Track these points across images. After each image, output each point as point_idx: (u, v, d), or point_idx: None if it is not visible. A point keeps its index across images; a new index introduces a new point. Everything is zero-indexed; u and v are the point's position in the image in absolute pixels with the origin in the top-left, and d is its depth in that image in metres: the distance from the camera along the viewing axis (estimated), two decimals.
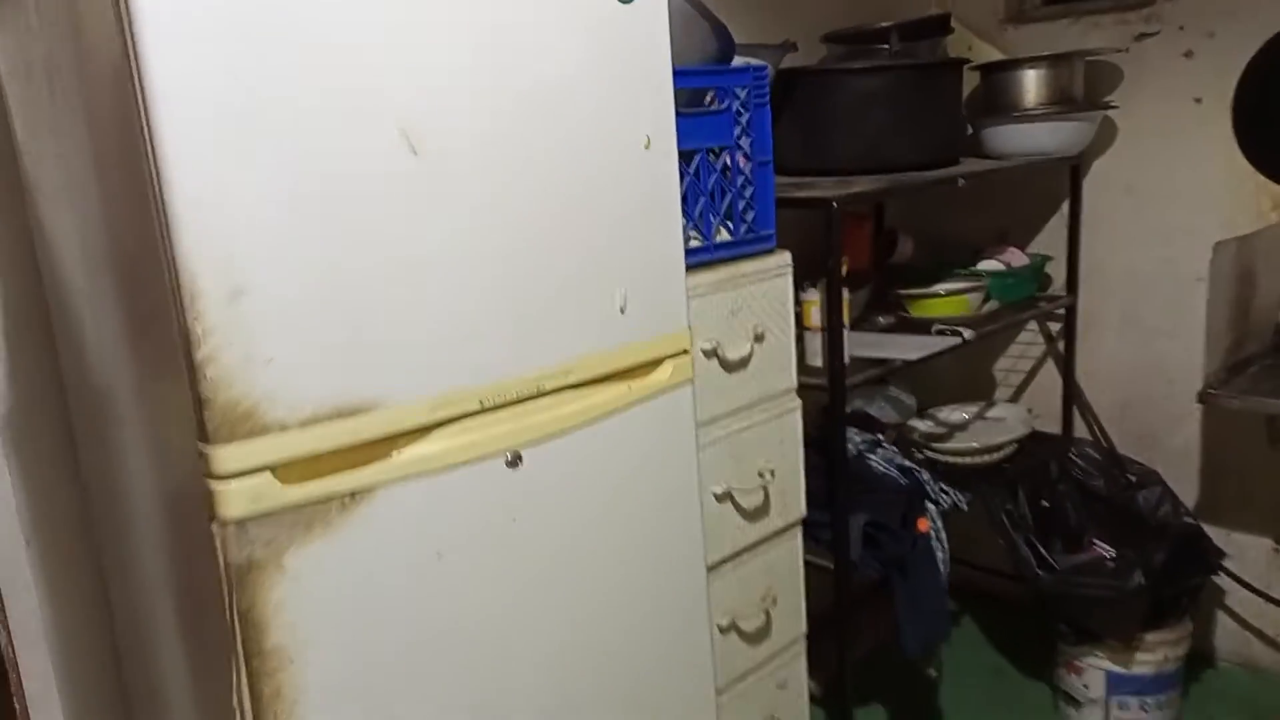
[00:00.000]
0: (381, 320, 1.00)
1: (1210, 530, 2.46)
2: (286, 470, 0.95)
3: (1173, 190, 2.48)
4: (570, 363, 1.18)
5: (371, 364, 1.00)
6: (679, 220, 1.32)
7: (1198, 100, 2.40)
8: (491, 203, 1.09)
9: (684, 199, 1.57)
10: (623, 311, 1.24)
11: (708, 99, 1.72)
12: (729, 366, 1.63)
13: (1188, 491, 2.54)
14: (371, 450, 1.01)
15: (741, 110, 1.66)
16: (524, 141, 1.11)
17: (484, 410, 1.10)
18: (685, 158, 1.58)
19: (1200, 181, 2.43)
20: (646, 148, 1.25)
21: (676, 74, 1.50)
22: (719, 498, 1.63)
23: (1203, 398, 2.11)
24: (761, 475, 1.69)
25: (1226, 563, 2.45)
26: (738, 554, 1.69)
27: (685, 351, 1.34)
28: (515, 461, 1.13)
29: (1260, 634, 2.53)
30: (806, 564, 1.89)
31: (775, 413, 1.73)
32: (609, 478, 1.25)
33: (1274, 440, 2.10)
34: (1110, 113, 2.49)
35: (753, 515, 1.70)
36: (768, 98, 1.69)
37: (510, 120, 1.10)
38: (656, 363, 1.31)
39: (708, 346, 1.58)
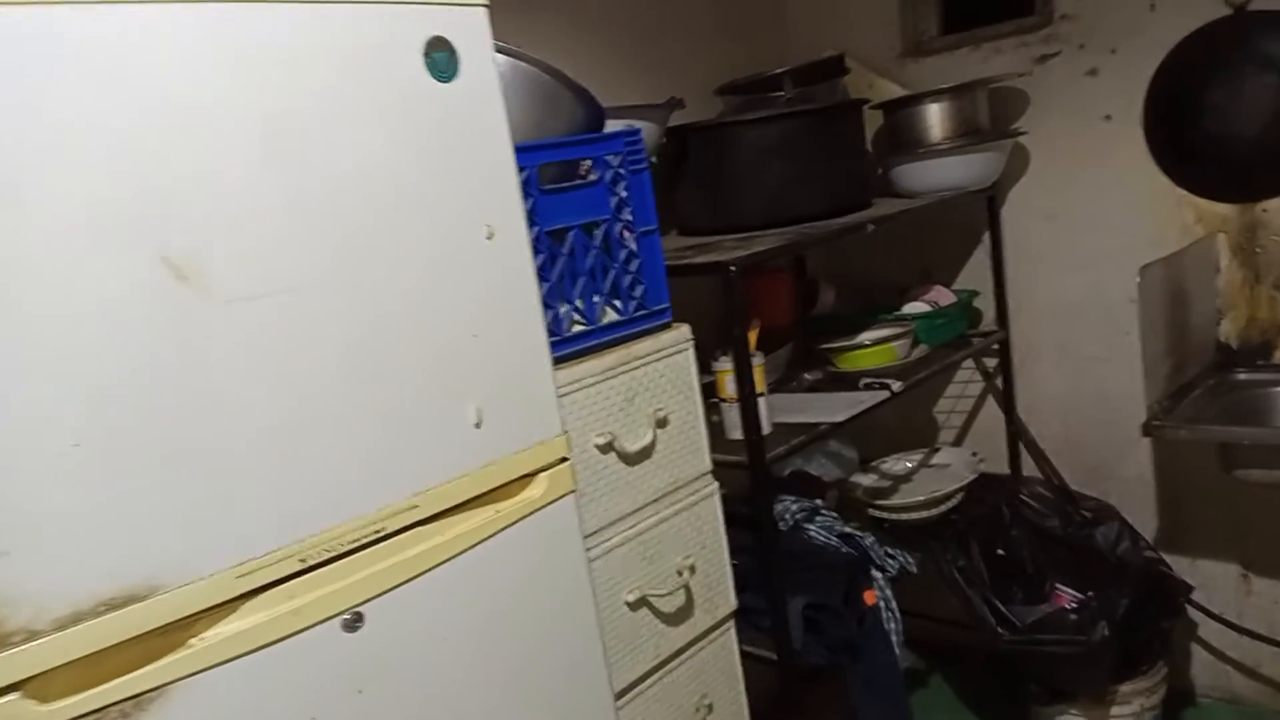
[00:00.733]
0: (154, 482, 0.84)
1: (1174, 560, 2.35)
2: (45, 684, 0.78)
3: (1093, 212, 2.40)
4: (417, 495, 1.02)
5: (145, 538, 0.83)
6: (538, 313, 1.18)
7: (1107, 118, 2.33)
8: (290, 325, 0.93)
9: (560, 281, 1.45)
10: (478, 426, 1.08)
11: (584, 171, 1.59)
12: (630, 459, 1.48)
13: (1146, 523, 2.43)
14: (161, 641, 0.85)
15: (618, 178, 1.53)
16: (326, 249, 0.96)
17: (309, 568, 0.94)
18: (558, 237, 1.45)
19: (1120, 201, 2.35)
20: (489, 239, 1.11)
21: (532, 149, 1.39)
22: (633, 605, 1.47)
23: (1148, 430, 2.00)
24: (680, 573, 1.53)
25: (1195, 594, 2.32)
26: (663, 664, 1.53)
27: (563, 459, 1.19)
28: (355, 623, 0.97)
29: (1238, 665, 2.40)
30: (747, 655, 1.73)
31: (690, 501, 1.58)
32: (478, 621, 1.09)
33: (1227, 466, 1.99)
34: (1020, 139, 2.41)
35: (675, 618, 1.54)
36: (645, 163, 1.56)
37: (308, 227, 0.95)
38: (529, 477, 1.15)
39: (601, 441, 1.42)
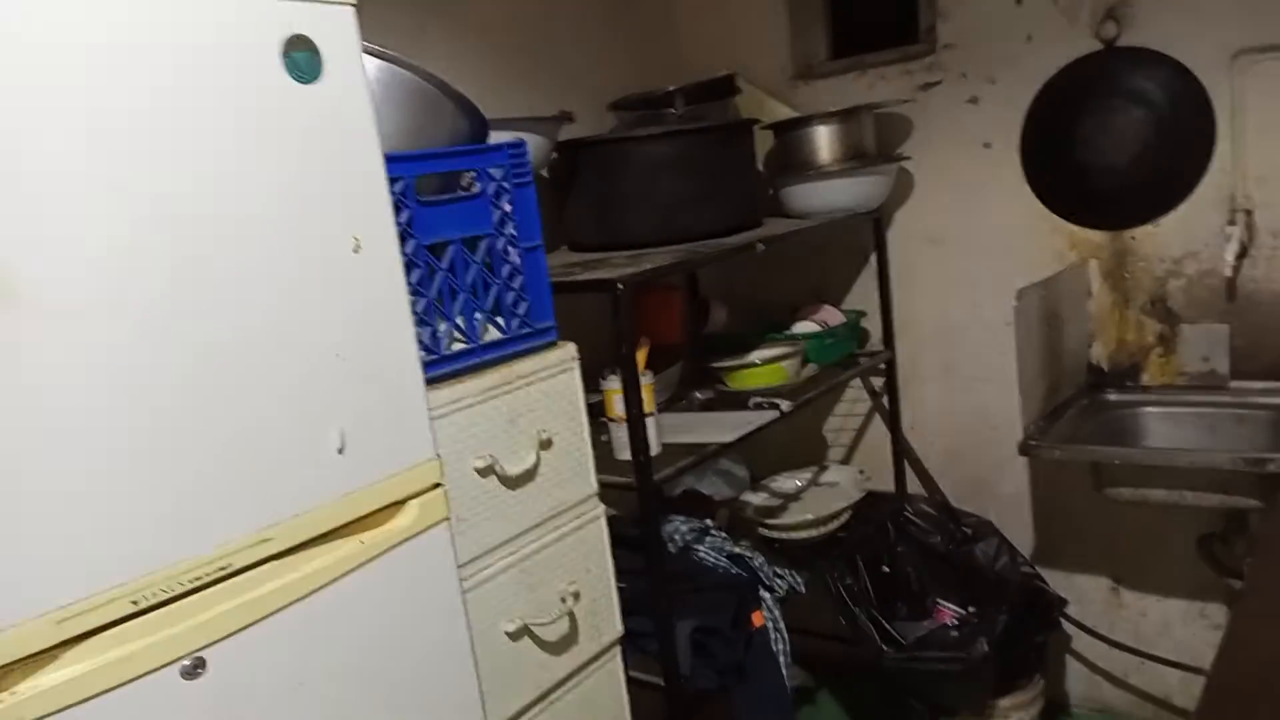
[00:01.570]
0: None
1: (1049, 574, 2.42)
2: None
3: (974, 236, 2.46)
4: (269, 528, 0.95)
5: None
6: (409, 330, 1.12)
7: (987, 145, 2.40)
8: (124, 342, 0.85)
9: (440, 297, 1.39)
10: (341, 451, 1.02)
11: (466, 183, 1.54)
12: (511, 482, 1.42)
13: (1023, 538, 2.49)
14: None
15: (501, 192, 1.48)
16: (167, 260, 0.88)
17: (143, 610, 0.85)
18: (437, 251, 1.39)
19: (999, 225, 2.42)
20: (356, 251, 1.04)
21: (409, 159, 1.33)
22: (513, 635, 1.41)
23: (1024, 450, 2.04)
24: (564, 599, 1.48)
25: (1069, 608, 2.40)
26: (545, 695, 1.47)
27: (436, 485, 1.13)
28: (196, 669, 0.89)
29: (1109, 675, 2.49)
30: (633, 681, 1.68)
31: (574, 525, 1.53)
32: (338, 663, 1.02)
33: (1100, 484, 2.06)
34: (905, 164, 2.46)
35: (558, 647, 1.49)
36: (529, 176, 1.51)
37: (146, 235, 0.87)
38: (398, 505, 1.09)
39: (481, 464, 1.36)
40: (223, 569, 0.91)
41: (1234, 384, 2.17)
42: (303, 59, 1.02)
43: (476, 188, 1.48)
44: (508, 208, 1.49)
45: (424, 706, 1.11)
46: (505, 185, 1.48)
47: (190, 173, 0.90)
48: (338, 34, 1.05)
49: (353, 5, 1.08)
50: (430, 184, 1.46)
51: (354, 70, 1.06)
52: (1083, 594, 2.45)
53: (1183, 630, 2.35)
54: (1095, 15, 2.20)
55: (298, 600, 0.96)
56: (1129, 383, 2.31)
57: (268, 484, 0.95)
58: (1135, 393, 2.29)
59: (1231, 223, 2.11)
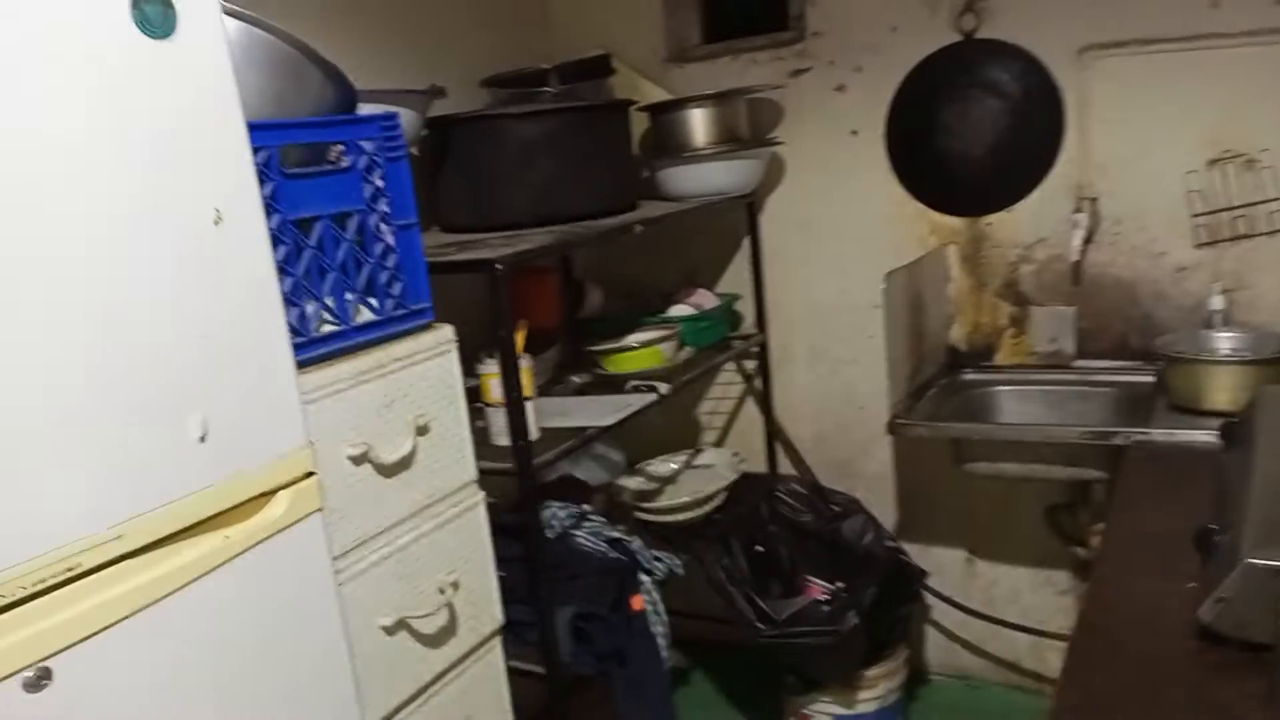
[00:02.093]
0: None
1: (910, 548, 2.51)
2: None
3: (841, 221, 2.52)
4: (121, 524, 0.87)
5: None
6: (278, 310, 1.04)
7: (854, 133, 2.46)
8: None
9: (307, 276, 1.31)
10: (203, 440, 0.94)
11: (334, 157, 1.46)
12: (387, 470, 1.36)
13: (886, 514, 2.58)
14: None
15: (373, 166, 1.41)
16: (7, 235, 0.79)
17: None
18: (304, 227, 1.31)
19: (865, 211, 2.48)
20: (217, 223, 0.96)
21: (272, 127, 1.24)
22: (390, 630, 1.35)
23: (892, 428, 2.11)
24: (442, 591, 1.43)
25: (929, 580, 2.50)
26: (424, 689, 1.42)
27: (309, 474, 1.06)
28: (41, 680, 0.80)
29: (966, 643, 2.61)
30: (513, 671, 1.65)
31: (453, 513, 1.48)
32: (202, 667, 0.94)
33: (959, 460, 2.15)
34: (777, 149, 2.50)
35: (437, 640, 1.44)
36: (403, 150, 1.45)
37: None
38: (268, 496, 1.02)
39: (355, 451, 1.30)
40: (69, 570, 0.82)
41: (1079, 363, 2.31)
42: (154, 12, 0.93)
43: (345, 162, 1.40)
44: (380, 183, 1.42)
45: (297, 711, 1.04)
46: (378, 159, 1.41)
47: (29, 136, 0.81)
48: None
49: None
50: (295, 156, 1.37)
51: (212, 25, 0.98)
52: (941, 565, 2.56)
53: (1031, 597, 2.49)
54: (955, 8, 2.28)
55: (154, 602, 0.89)
56: (984, 363, 2.43)
57: (119, 476, 0.87)
58: (990, 372, 2.40)
59: (1078, 210, 2.23)
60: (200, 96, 0.96)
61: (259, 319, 1.01)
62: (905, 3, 2.33)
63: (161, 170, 0.92)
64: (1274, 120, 2.02)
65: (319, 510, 1.07)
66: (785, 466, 2.68)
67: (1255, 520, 1.16)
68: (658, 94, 2.53)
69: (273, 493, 1.02)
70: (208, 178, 0.96)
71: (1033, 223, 2.32)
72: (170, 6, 0.94)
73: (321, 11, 1.96)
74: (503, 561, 1.61)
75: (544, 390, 2.12)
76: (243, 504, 0.99)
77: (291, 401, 1.05)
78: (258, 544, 0.99)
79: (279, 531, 1.01)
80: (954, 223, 2.41)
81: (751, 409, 2.72)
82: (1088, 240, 2.24)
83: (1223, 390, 1.85)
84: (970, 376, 2.39)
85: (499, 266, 1.60)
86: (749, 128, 2.40)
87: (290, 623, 1.03)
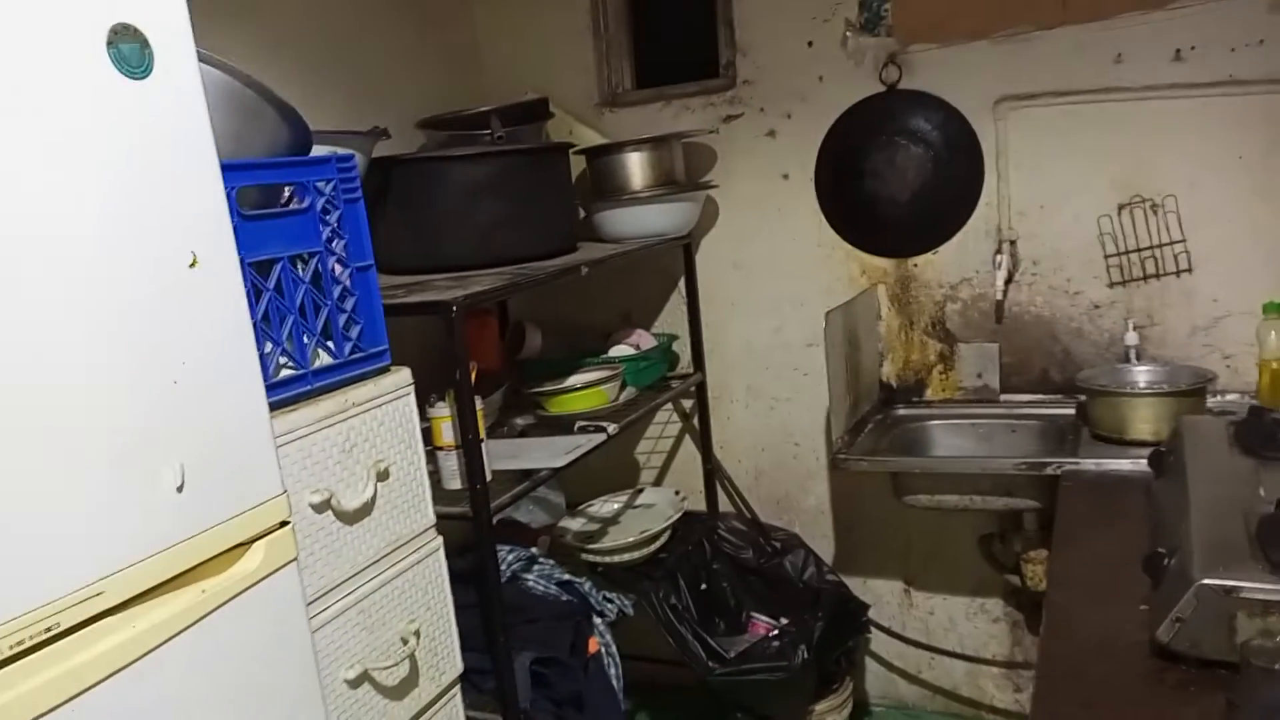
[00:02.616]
0: None
1: (849, 580, 2.56)
2: None
3: (774, 262, 2.58)
4: (102, 580, 0.82)
5: None
6: (252, 353, 1.02)
7: (785, 176, 2.53)
8: None
9: (266, 320, 1.28)
10: (180, 490, 0.90)
11: (285, 199, 1.43)
12: (348, 518, 1.33)
13: (824, 548, 2.62)
14: None
15: (329, 208, 1.39)
16: None
17: None
18: (262, 270, 1.28)
19: (797, 252, 2.55)
20: (192, 266, 0.93)
21: (234, 169, 1.22)
22: (353, 683, 1.31)
23: (835, 463, 2.16)
24: (405, 640, 1.39)
25: (869, 612, 2.54)
26: None
27: (284, 523, 1.03)
28: None
29: (903, 673, 2.66)
30: None
31: (414, 559, 1.46)
32: None
33: (899, 492, 2.21)
34: (711, 191, 2.55)
35: (399, 691, 1.40)
36: (359, 192, 1.43)
37: None
38: (243, 546, 0.98)
39: (317, 499, 1.26)
40: (48, 630, 0.77)
41: (1004, 397, 2.40)
42: (130, 51, 0.91)
43: (301, 203, 1.38)
44: (336, 224, 1.40)
45: None
46: (334, 200, 1.39)
47: (7, 179, 0.78)
48: (168, 25, 0.94)
49: None
50: (248, 197, 1.34)
51: (188, 65, 0.96)
52: (878, 597, 2.61)
53: (966, 625, 2.56)
54: (878, 60, 2.38)
55: (135, 660, 0.84)
56: (915, 398, 2.50)
57: (98, 529, 0.82)
58: (921, 407, 2.48)
59: (999, 251, 2.33)
60: (176, 137, 0.94)
61: (234, 363, 0.98)
62: (831, 54, 2.42)
63: (138, 212, 0.89)
64: (1177, 168, 2.16)
65: (294, 560, 1.03)
66: (724, 504, 2.70)
67: (1201, 543, 1.22)
68: (592, 137, 2.57)
69: (249, 543, 0.98)
70: (184, 220, 0.94)
71: (957, 263, 2.42)
72: (147, 45, 0.92)
73: (252, 50, 1.93)
74: (457, 608, 1.57)
75: (489, 433, 2.09)
76: (217, 556, 0.95)
77: (267, 448, 1.01)
78: (234, 597, 0.95)
79: (256, 583, 0.97)
80: (883, 264, 2.49)
81: (690, 447, 2.74)
82: (1009, 280, 2.35)
83: (1144, 421, 1.95)
84: (903, 411, 2.46)
85: (454, 309, 1.58)
86: (684, 171, 2.45)
87: (268, 678, 0.99)
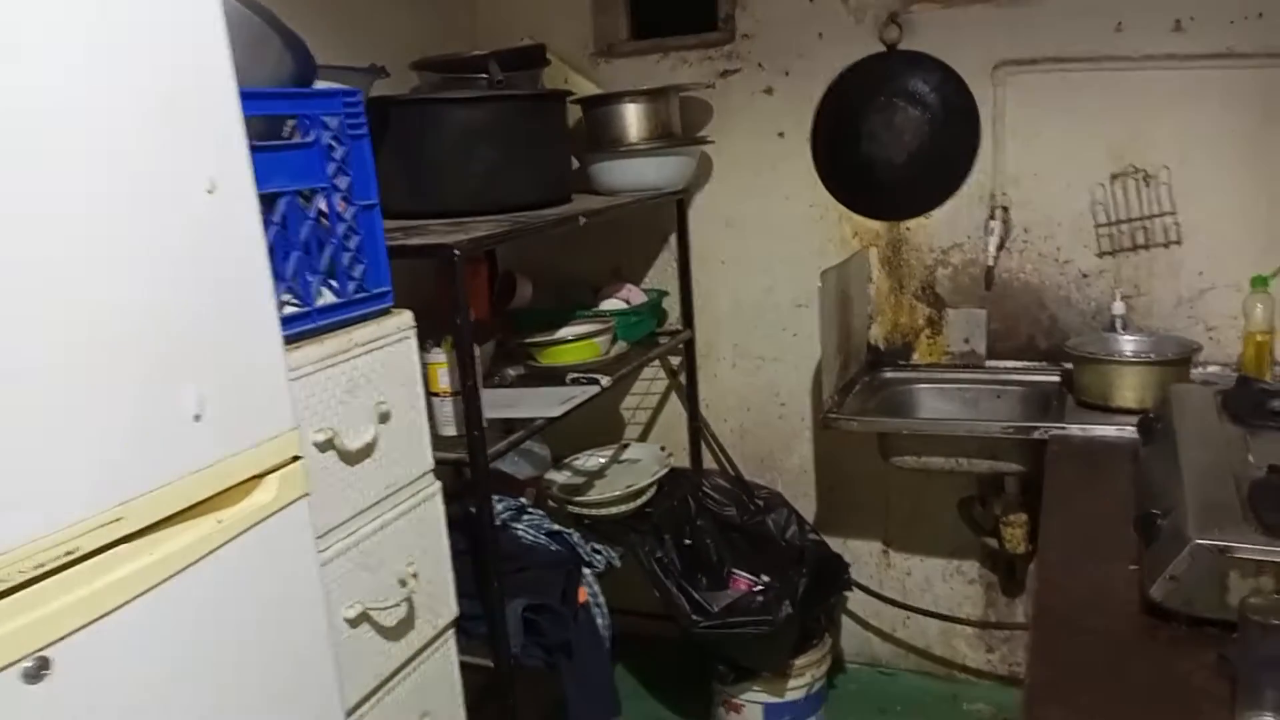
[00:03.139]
0: None
1: (830, 540, 2.58)
2: None
3: (767, 221, 2.57)
4: (122, 505, 0.81)
5: None
6: (268, 284, 1.00)
7: (781, 135, 2.51)
8: None
9: (271, 255, 1.25)
10: (198, 419, 0.89)
11: (286, 131, 1.39)
12: (350, 458, 1.31)
13: (807, 507, 2.65)
14: None
15: (334, 144, 1.36)
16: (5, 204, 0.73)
17: None
18: (266, 203, 1.25)
19: (790, 212, 2.54)
20: (210, 193, 0.91)
21: (246, 97, 1.18)
22: (353, 622, 1.31)
23: (825, 423, 2.17)
24: (404, 582, 1.39)
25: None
26: (384, 683, 1.38)
27: (296, 458, 1.02)
28: (40, 671, 0.74)
29: (879, 631, 2.71)
30: (462, 665, 1.62)
31: (412, 502, 1.45)
32: (196, 657, 0.89)
33: (885, 454, 2.23)
34: (706, 148, 2.53)
35: (396, 632, 1.40)
36: (365, 128, 1.40)
37: None
38: (257, 479, 0.97)
39: (320, 438, 1.25)
40: (69, 554, 0.76)
41: (990, 363, 2.43)
42: None
43: (299, 136, 1.34)
44: (342, 161, 1.37)
45: (283, 701, 1.00)
46: (339, 137, 1.36)
47: (28, 94, 0.75)
48: None
49: None
50: (252, 128, 1.30)
51: None
52: (857, 557, 2.65)
53: (942, 586, 2.60)
54: (879, 19, 2.36)
55: (152, 587, 0.83)
56: (902, 361, 2.52)
57: (118, 454, 0.81)
58: (908, 370, 2.50)
59: (992, 218, 2.34)
60: (196, 59, 0.91)
61: (249, 293, 0.96)
62: (832, 11, 2.40)
63: (158, 135, 0.86)
64: (1172, 139, 2.18)
65: (305, 495, 1.02)
66: (708, 461, 2.71)
67: (1195, 505, 1.25)
68: (587, 87, 2.53)
69: (261, 476, 0.97)
70: (203, 145, 0.91)
71: (949, 228, 2.43)
72: None
73: None
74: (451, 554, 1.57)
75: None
76: (232, 488, 0.93)
77: (280, 381, 1.00)
78: (249, 529, 0.94)
79: (268, 516, 0.96)
80: (875, 226, 2.49)
81: (675, 404, 2.74)
82: (1000, 246, 2.36)
83: (1130, 389, 1.98)
84: (890, 374, 2.48)
85: (456, 253, 1.56)
86: (680, 125, 2.42)
87: (279, 611, 0.98)
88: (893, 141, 2.43)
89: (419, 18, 2.45)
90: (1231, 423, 1.58)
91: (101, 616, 0.78)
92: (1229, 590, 1.15)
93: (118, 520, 0.80)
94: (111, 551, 0.80)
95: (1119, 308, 2.24)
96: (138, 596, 0.82)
